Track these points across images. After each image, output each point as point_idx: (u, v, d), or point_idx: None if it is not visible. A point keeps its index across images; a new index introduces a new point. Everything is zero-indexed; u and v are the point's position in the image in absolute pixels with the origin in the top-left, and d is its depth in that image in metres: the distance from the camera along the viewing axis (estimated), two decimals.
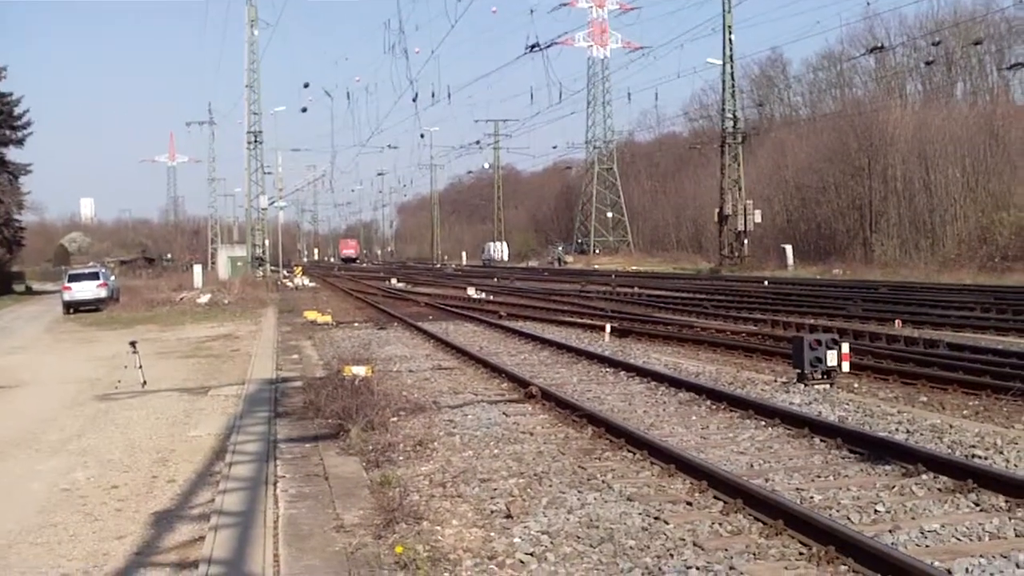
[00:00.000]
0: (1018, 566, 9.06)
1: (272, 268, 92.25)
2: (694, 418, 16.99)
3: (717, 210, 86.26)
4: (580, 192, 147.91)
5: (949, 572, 8.79)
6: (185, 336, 38.61)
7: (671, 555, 9.70)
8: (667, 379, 20.92)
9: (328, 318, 41.09)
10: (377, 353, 27.70)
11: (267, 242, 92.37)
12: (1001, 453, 13.39)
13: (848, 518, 10.64)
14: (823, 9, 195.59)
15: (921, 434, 14.91)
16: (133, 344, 24.80)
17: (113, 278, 66.34)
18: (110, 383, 24.52)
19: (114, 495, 13.69)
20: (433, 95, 74.63)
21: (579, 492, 12.08)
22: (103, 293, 57.24)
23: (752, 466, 13.27)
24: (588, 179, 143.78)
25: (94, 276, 59.34)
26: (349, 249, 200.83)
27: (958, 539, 9.94)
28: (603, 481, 12.63)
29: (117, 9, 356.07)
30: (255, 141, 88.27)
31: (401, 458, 14.36)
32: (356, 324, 40.02)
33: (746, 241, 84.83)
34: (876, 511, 10.90)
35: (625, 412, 17.70)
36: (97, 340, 38.46)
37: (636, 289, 58.11)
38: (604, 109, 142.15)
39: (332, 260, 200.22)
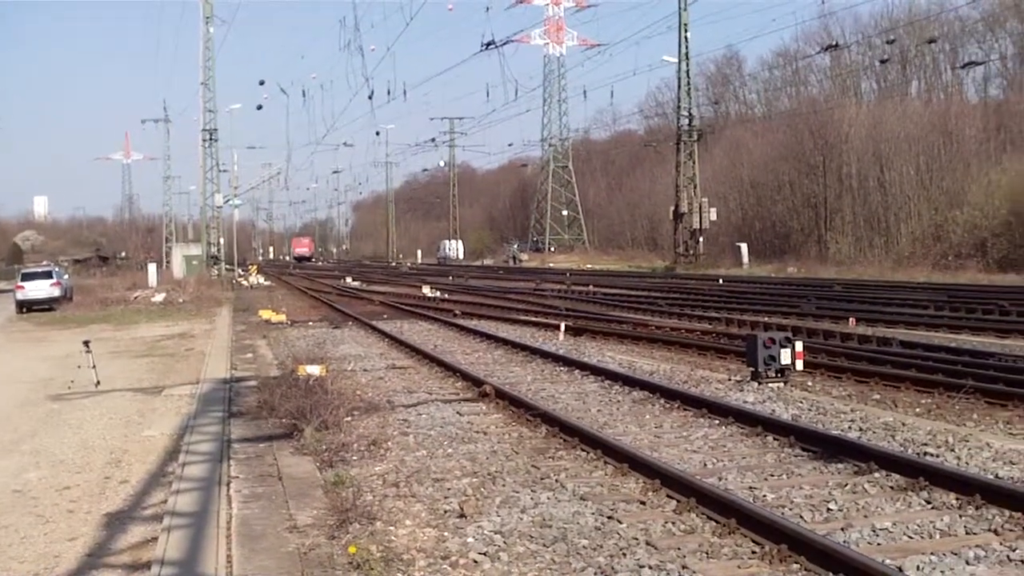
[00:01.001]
0: (968, 563, 9.11)
1: (227, 267, 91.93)
2: (648, 417, 17.02)
3: (672, 208, 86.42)
4: (536, 190, 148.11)
5: (900, 570, 8.83)
6: (139, 335, 38.41)
7: (624, 554, 9.70)
8: (621, 378, 20.94)
9: (283, 317, 40.98)
10: (331, 352, 27.63)
11: (222, 240, 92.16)
12: (953, 451, 13.47)
13: (801, 516, 10.68)
14: (778, 7, 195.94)
15: (874, 432, 14.99)
16: (87, 343, 24.68)
17: (67, 277, 66.03)
18: (63, 383, 24.38)
19: (66, 496, 13.61)
20: (389, 93, 74.39)
21: (532, 491, 12.08)
22: (57, 292, 56.89)
23: (705, 465, 13.30)
24: (543, 177, 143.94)
25: (48, 275, 58.99)
26: (302, 247, 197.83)
27: (909, 537, 9.98)
28: (556, 480, 12.63)
29: (70, 5, 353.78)
30: (210, 139, 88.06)
31: (355, 458, 14.33)
32: (311, 323, 39.94)
33: (701, 239, 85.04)
34: (829, 509, 10.94)
35: (579, 411, 17.72)
36: (50, 339, 38.24)
37: (591, 287, 58.16)
38: (560, 107, 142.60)
39: (287, 259, 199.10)
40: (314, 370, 20.30)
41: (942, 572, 8.92)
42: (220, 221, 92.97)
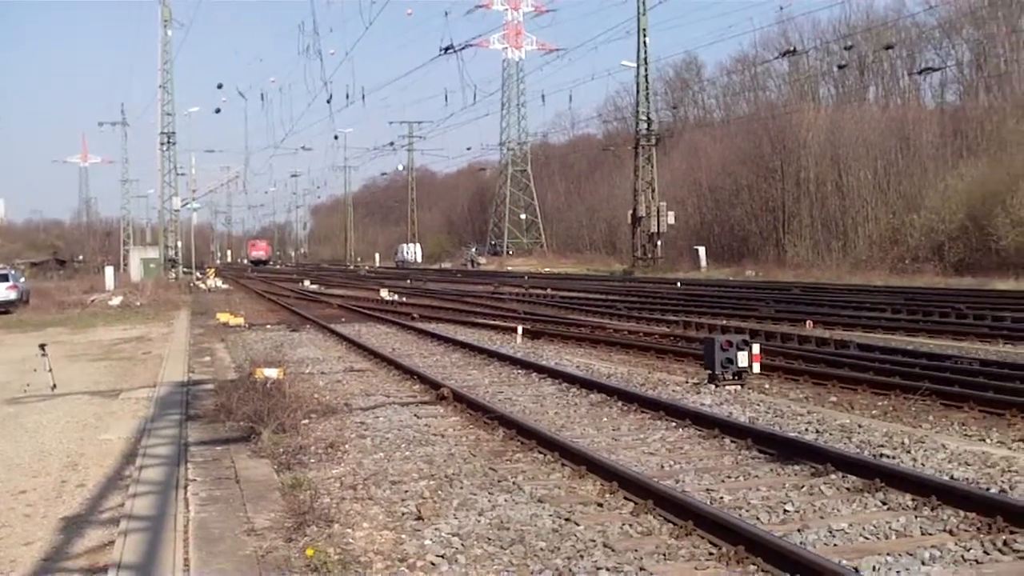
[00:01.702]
0: (923, 563, 9.17)
1: (185, 270, 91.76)
2: (605, 419, 17.05)
3: (630, 212, 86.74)
4: (494, 194, 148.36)
5: (856, 570, 8.87)
6: (96, 339, 38.21)
7: (581, 556, 9.70)
8: (579, 380, 20.97)
9: (241, 320, 40.88)
10: (289, 355, 27.54)
11: (180, 244, 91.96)
12: (909, 452, 13.55)
13: (757, 518, 10.72)
14: (737, 13, 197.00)
15: (830, 434, 15.06)
16: (43, 347, 24.52)
17: (23, 280, 65.60)
18: (19, 387, 24.22)
19: (22, 500, 13.51)
20: (347, 97, 74.54)
21: (490, 494, 12.07)
22: (13, 295, 56.51)
23: (663, 467, 13.32)
24: (502, 181, 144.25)
25: (3, 278, 58.52)
26: (259, 251, 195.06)
27: (865, 538, 10.03)
28: (514, 483, 12.64)
29: (27, 6, 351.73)
30: (168, 142, 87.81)
31: (312, 461, 14.30)
32: (269, 326, 39.84)
33: (659, 243, 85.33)
34: (785, 511, 10.98)
35: (536, 414, 17.74)
36: (6, 343, 37.96)
37: (549, 291, 58.30)
38: (518, 111, 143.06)
39: (245, 262, 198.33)
40: (272, 373, 20.20)
41: (898, 572, 8.98)
42: (178, 225, 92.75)
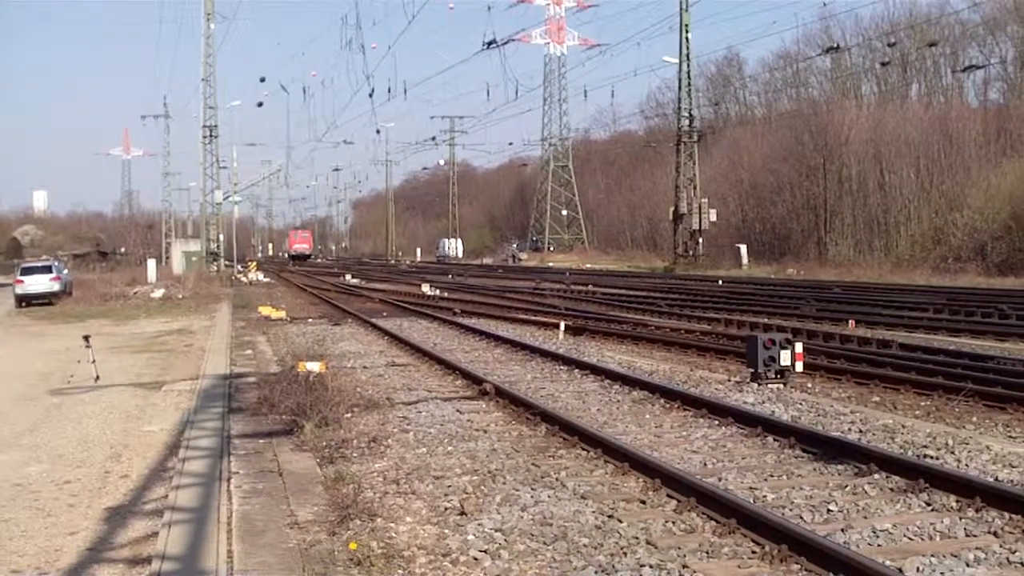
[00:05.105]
0: (968, 565, 9.13)
1: (226, 263, 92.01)
2: (648, 417, 17.02)
3: (672, 209, 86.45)
4: (535, 189, 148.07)
5: (900, 571, 8.84)
6: (139, 331, 38.42)
7: (624, 553, 9.71)
8: (621, 377, 20.94)
9: (282, 314, 41.02)
10: (331, 349, 27.61)
11: (221, 237, 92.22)
12: (952, 453, 13.49)
13: (801, 517, 10.68)
14: (779, 9, 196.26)
15: (873, 434, 15.00)
16: (86, 338, 24.70)
17: (66, 272, 65.94)
18: (63, 377, 24.41)
19: (67, 490, 13.62)
20: (389, 91, 74.20)
21: (533, 490, 12.07)
22: (56, 287, 56.92)
23: (705, 465, 13.31)
24: (543, 176, 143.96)
25: (47, 269, 58.99)
26: (301, 243, 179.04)
27: (909, 538, 9.99)
28: (557, 479, 12.63)
29: (72, 1, 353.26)
30: (210, 135, 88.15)
31: (355, 454, 14.33)
32: (310, 320, 39.92)
33: (700, 240, 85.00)
34: (829, 510, 10.94)
35: (579, 410, 17.71)
36: (50, 334, 38.24)
37: (590, 287, 58.13)
38: (560, 106, 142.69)
39: (286, 256, 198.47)
40: (314, 367, 20.27)
41: (942, 573, 8.94)
42: (220, 218, 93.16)
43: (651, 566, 9.26)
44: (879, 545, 9.80)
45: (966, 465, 12.86)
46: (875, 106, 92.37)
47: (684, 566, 9.28)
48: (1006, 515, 10.44)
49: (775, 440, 14.59)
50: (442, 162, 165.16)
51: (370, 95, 69.15)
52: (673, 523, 10.67)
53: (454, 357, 25.29)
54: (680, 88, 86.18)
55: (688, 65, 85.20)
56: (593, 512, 11.10)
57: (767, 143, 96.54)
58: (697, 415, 16.81)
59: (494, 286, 64.19)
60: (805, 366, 20.72)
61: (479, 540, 10.17)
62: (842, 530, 10.19)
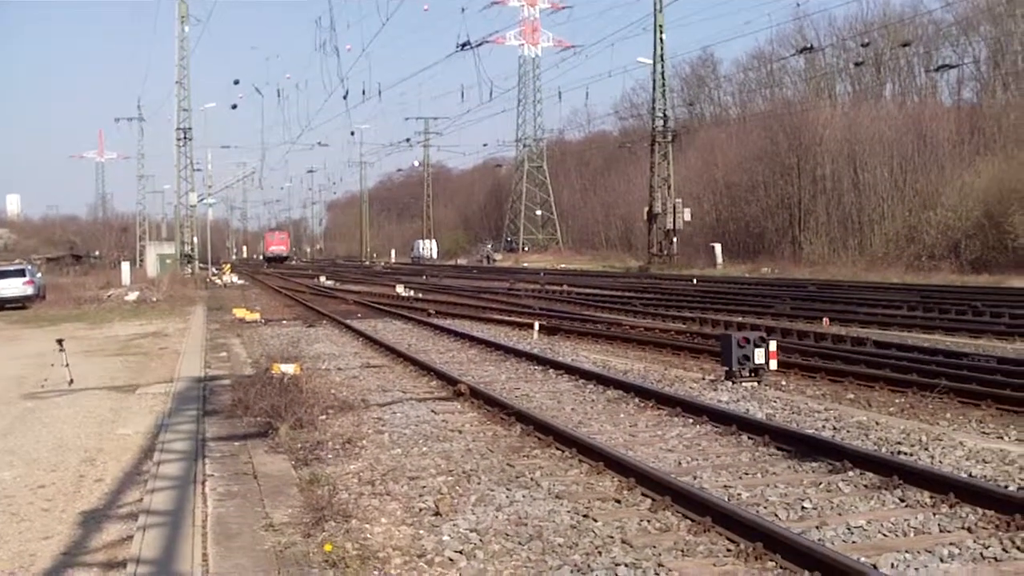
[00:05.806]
0: (942, 560, 9.16)
1: (201, 265, 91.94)
2: (622, 416, 17.04)
3: (646, 208, 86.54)
4: (510, 190, 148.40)
5: (875, 567, 8.85)
6: (113, 334, 38.27)
7: (600, 552, 9.71)
8: (595, 377, 20.96)
9: (257, 316, 40.92)
10: (306, 351, 27.57)
11: (196, 239, 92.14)
12: (926, 449, 13.54)
13: (776, 515, 10.71)
14: (753, 9, 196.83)
15: (848, 431, 15.04)
16: (60, 342, 24.58)
17: (40, 275, 65.57)
18: (36, 381, 24.28)
19: (41, 495, 13.54)
20: (364, 93, 74.34)
21: (508, 490, 12.07)
22: (29, 290, 56.57)
23: (680, 464, 13.32)
24: (518, 177, 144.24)
25: (20, 273, 58.64)
26: (278, 244, 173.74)
27: (884, 535, 10.02)
28: (531, 479, 12.64)
29: (44, 4, 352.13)
30: (185, 138, 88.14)
31: (330, 456, 14.31)
32: (285, 322, 39.87)
33: (675, 239, 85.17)
34: (803, 508, 10.98)
35: (553, 410, 17.73)
36: (23, 338, 38.07)
37: (565, 287, 58.21)
38: (535, 107, 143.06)
39: (261, 258, 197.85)
40: (288, 368, 20.22)
41: (916, 569, 8.97)
42: (194, 220, 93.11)
43: (626, 565, 9.27)
44: (854, 542, 9.82)
45: (940, 461, 12.91)
46: (849, 106, 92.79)
47: (659, 564, 9.29)
48: (980, 511, 10.48)
49: (749, 438, 14.62)
50: (417, 163, 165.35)
51: (344, 97, 69.47)
52: (648, 522, 10.68)
53: (429, 358, 25.29)
54: (654, 89, 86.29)
55: (662, 66, 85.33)
56: (568, 511, 11.10)
57: (741, 143, 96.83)
58: (672, 414, 16.82)
59: (469, 287, 64.19)
60: (779, 364, 20.79)
61: (454, 540, 10.17)
62: (816, 527, 10.21)
